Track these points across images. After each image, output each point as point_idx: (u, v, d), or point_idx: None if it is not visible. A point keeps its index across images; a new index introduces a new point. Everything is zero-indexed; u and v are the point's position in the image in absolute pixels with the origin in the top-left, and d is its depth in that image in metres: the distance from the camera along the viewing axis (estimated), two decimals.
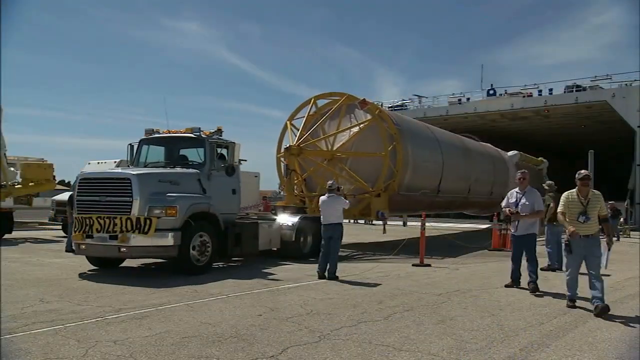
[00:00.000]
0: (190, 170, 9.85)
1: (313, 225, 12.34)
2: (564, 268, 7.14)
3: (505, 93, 36.86)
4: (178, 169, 9.89)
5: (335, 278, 8.95)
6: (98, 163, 19.12)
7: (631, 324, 5.97)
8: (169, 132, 10.71)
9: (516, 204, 8.16)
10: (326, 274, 9.02)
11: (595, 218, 6.56)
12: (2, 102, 18.39)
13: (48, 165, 18.33)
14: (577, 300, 6.87)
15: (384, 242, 16.45)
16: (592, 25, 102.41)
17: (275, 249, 11.87)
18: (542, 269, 9.25)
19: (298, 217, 12.30)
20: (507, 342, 5.09)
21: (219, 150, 10.44)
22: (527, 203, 8.07)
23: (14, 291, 7.31)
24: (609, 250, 6.82)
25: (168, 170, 9.82)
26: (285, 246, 11.89)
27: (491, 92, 37.32)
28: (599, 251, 6.63)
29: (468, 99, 37.79)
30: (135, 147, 10.76)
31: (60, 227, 18.63)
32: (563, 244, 6.83)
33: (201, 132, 10.29)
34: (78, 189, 9.33)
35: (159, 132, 10.80)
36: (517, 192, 8.31)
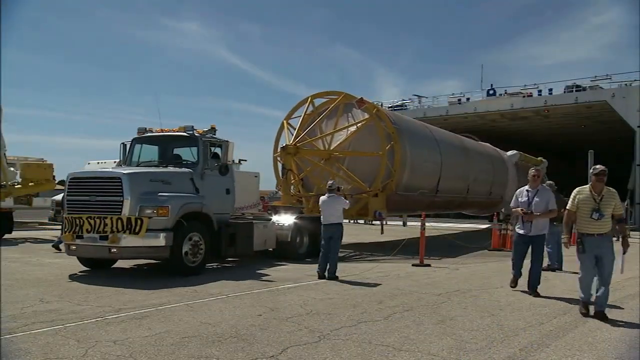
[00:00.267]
0: (183, 170, 9.68)
1: (309, 225, 12.28)
2: (578, 271, 6.52)
3: (505, 93, 36.88)
4: (170, 169, 9.72)
5: (335, 278, 8.94)
6: (98, 163, 19.11)
7: (631, 324, 5.96)
8: (162, 131, 10.54)
9: (528, 202, 7.70)
10: (326, 274, 9.02)
11: (609, 216, 6.17)
12: (2, 102, 18.38)
13: (48, 165, 18.31)
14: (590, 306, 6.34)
15: (384, 242, 16.44)
16: (592, 25, 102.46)
17: (271, 249, 11.76)
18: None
19: (294, 217, 12.20)
20: (507, 342, 5.09)
21: (212, 149, 10.27)
22: (540, 202, 7.65)
23: (14, 291, 7.31)
24: (624, 253, 6.35)
25: (160, 169, 9.68)
26: (281, 246, 11.76)
27: (491, 92, 37.35)
28: (611, 253, 6.20)
29: (468, 99, 37.81)
30: (128, 146, 10.60)
31: (60, 227, 18.60)
32: (576, 244, 6.35)
33: (194, 131, 10.12)
34: (68, 188, 9.14)
35: (151, 131, 10.62)
36: (528, 190, 7.83)
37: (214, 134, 10.36)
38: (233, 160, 19.86)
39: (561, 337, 5.38)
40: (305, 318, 5.93)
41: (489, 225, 21.96)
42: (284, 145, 13.97)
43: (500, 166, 22.75)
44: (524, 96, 35.49)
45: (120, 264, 10.04)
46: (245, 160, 19.39)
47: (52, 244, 12.72)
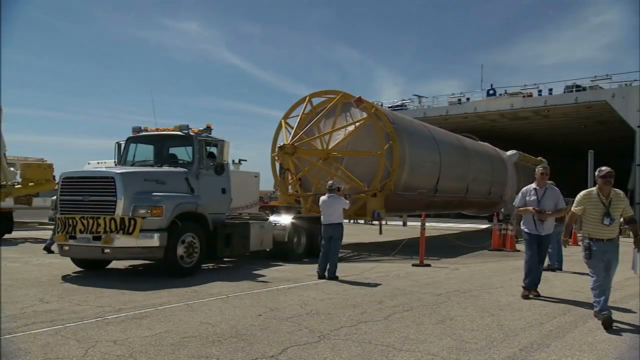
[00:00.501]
0: (178, 169, 9.57)
1: (307, 225, 12.22)
2: (589, 281, 6.14)
3: (505, 93, 36.89)
4: (165, 168, 9.60)
5: (335, 278, 8.94)
6: (98, 163, 19.09)
7: (631, 324, 5.96)
8: (157, 130, 10.35)
9: (537, 201, 7.47)
10: (326, 274, 9.02)
11: (618, 220, 6.00)
12: (2, 102, 18.38)
13: (48, 165, 18.30)
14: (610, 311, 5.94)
15: (384, 242, 16.45)
16: (592, 25, 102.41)
17: (268, 249, 11.65)
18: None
19: (291, 217, 12.12)
20: (507, 342, 5.09)
21: (208, 148, 10.13)
22: (550, 200, 7.46)
23: (14, 291, 7.31)
24: (639, 252, 6.21)
25: (154, 169, 9.54)
26: (278, 247, 11.64)
27: (491, 92, 37.36)
28: (617, 259, 6.07)
29: (468, 99, 37.81)
30: (123, 145, 10.47)
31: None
32: (583, 248, 6.09)
33: (189, 130, 9.96)
34: (60, 188, 9.03)
35: (147, 130, 10.44)
36: (535, 189, 7.59)
37: (210, 133, 10.22)
38: (238, 161, 19.87)
39: (561, 337, 5.38)
40: (305, 318, 5.93)
41: (488, 225, 21.97)
42: (282, 144, 13.85)
43: (499, 166, 22.72)
44: (524, 96, 35.49)
45: (115, 264, 9.96)
46: (245, 160, 19.36)
47: (43, 246, 12.51)
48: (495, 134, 35.30)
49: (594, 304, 6.01)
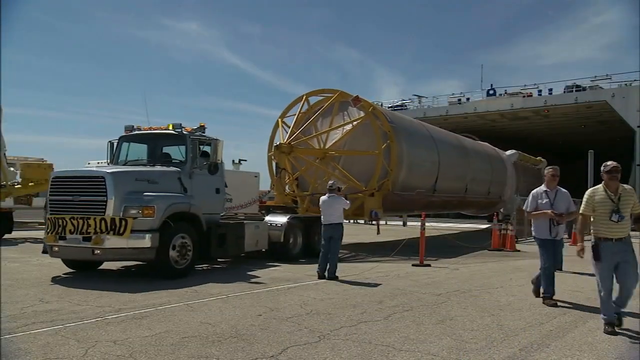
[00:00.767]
0: (170, 169, 9.42)
1: (303, 225, 12.13)
2: (596, 286, 5.78)
3: (505, 93, 36.97)
4: (157, 167, 9.44)
5: (335, 278, 8.95)
6: (98, 163, 19.10)
7: (632, 324, 5.95)
8: (150, 129, 10.21)
9: (550, 204, 7.18)
10: (326, 274, 9.02)
11: (628, 218, 5.54)
12: (2, 102, 18.39)
13: (48, 165, 18.33)
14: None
15: (384, 242, 16.43)
16: (592, 25, 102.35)
17: (263, 250, 11.53)
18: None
19: (287, 217, 11.96)
20: (507, 342, 5.09)
21: (202, 147, 10.00)
22: (562, 203, 7.21)
23: (14, 291, 7.32)
24: None
25: (146, 168, 9.39)
26: (274, 247, 11.53)
27: (491, 92, 37.44)
28: (633, 257, 5.53)
29: (468, 99, 37.89)
30: (115, 144, 10.33)
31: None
32: (591, 249, 5.65)
33: (183, 129, 9.80)
34: (50, 188, 8.88)
35: (139, 129, 10.28)
36: (547, 192, 7.32)
37: (204, 132, 10.09)
38: (238, 161, 19.82)
39: (561, 337, 5.38)
40: (305, 318, 5.93)
41: (488, 225, 21.96)
42: (278, 143, 13.69)
43: (498, 166, 22.68)
44: (524, 96, 35.55)
45: (108, 265, 9.86)
46: (245, 160, 19.37)
47: (42, 249, 12.40)
48: (495, 134, 35.33)
49: (602, 318, 5.66)
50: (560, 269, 10.77)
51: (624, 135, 32.25)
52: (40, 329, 5.23)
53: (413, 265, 11.09)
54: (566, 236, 11.38)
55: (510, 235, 15.27)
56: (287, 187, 14.68)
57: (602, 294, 5.61)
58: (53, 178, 8.99)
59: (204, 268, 10.27)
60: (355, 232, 20.70)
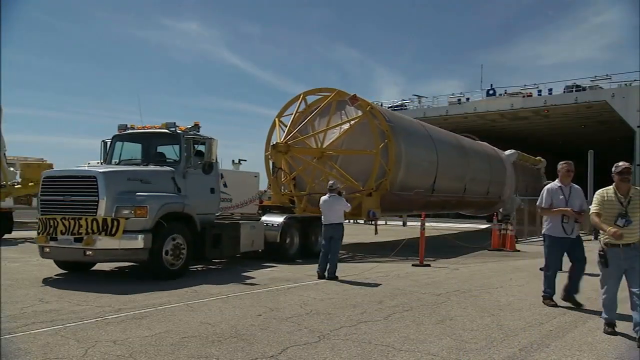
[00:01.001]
0: (164, 168, 9.27)
1: (300, 225, 12.05)
2: (599, 287, 5.72)
3: (505, 93, 36.97)
4: (150, 167, 9.30)
5: (335, 278, 8.95)
6: (98, 163, 19.10)
7: (631, 324, 5.95)
8: (144, 128, 10.06)
9: (565, 201, 6.89)
10: (326, 274, 9.02)
11: (637, 222, 5.26)
12: (2, 102, 18.38)
13: (48, 165, 18.33)
14: (616, 324, 5.61)
15: (384, 243, 16.44)
16: (592, 25, 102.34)
17: (259, 250, 11.41)
18: (541, 269, 9.23)
19: (283, 216, 11.84)
20: (507, 342, 5.09)
21: (196, 146, 9.83)
22: (577, 200, 6.95)
23: (14, 291, 7.31)
24: None
25: (139, 168, 9.26)
26: (270, 247, 11.41)
27: (491, 92, 37.44)
28: None
29: (468, 99, 37.88)
30: (109, 144, 10.21)
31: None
32: (597, 254, 5.49)
33: (176, 128, 9.64)
34: (41, 188, 8.71)
35: (133, 128, 10.11)
36: (562, 187, 7.02)
37: (198, 131, 9.93)
38: (238, 161, 19.84)
39: (561, 337, 5.38)
40: (305, 318, 5.93)
41: (488, 225, 21.95)
42: (275, 143, 13.59)
43: (497, 165, 22.63)
44: (523, 96, 35.54)
45: (106, 266, 9.77)
46: (245, 160, 19.40)
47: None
48: (495, 134, 35.33)
49: (602, 318, 5.64)
50: (560, 269, 10.75)
51: (624, 135, 32.24)
52: (40, 329, 5.23)
53: (413, 265, 11.10)
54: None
55: (510, 235, 15.27)
56: (284, 187, 14.61)
57: (604, 297, 5.54)
58: (44, 178, 8.81)
59: (199, 269, 10.19)
60: (355, 232, 20.70)
